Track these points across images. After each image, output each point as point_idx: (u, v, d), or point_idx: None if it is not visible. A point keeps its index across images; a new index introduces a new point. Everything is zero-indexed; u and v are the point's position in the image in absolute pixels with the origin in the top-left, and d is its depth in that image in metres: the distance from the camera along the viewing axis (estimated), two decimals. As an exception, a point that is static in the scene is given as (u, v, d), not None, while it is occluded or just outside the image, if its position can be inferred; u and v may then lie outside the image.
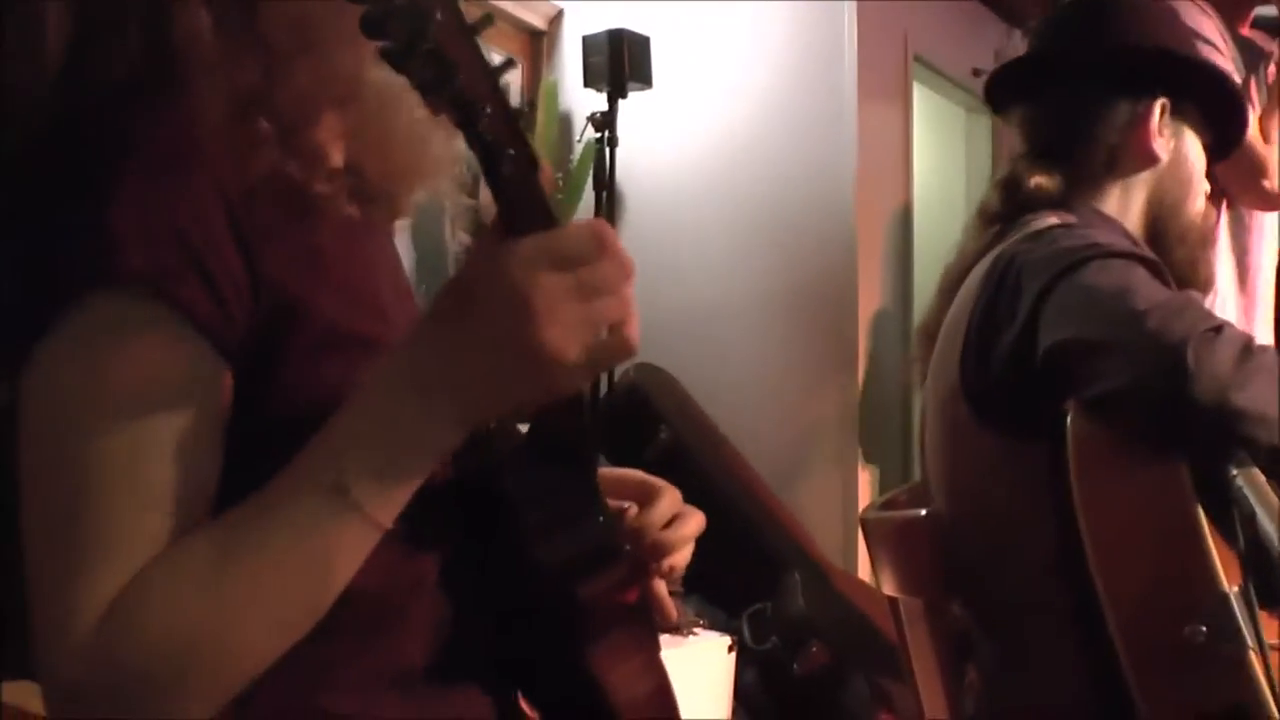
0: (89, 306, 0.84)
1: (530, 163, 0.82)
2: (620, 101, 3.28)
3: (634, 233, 3.51)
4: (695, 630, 2.82)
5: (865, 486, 3.32)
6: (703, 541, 1.08)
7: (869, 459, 3.37)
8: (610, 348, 0.83)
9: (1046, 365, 1.43)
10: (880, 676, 2.90)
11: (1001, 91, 1.76)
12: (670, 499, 1.06)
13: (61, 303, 0.85)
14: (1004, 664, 1.59)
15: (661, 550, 1.04)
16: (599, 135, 3.26)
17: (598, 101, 3.30)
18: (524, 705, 1.08)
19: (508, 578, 1.00)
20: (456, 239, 3.36)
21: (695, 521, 1.07)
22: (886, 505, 1.89)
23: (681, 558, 1.05)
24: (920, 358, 1.73)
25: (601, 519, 0.98)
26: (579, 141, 3.54)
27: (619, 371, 3.16)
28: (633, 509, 1.04)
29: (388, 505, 0.85)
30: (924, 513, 1.64)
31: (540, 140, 3.55)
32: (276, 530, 0.83)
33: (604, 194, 3.25)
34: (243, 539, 0.83)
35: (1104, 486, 1.39)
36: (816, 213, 3.33)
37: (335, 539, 0.84)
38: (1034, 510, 1.49)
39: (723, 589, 2.91)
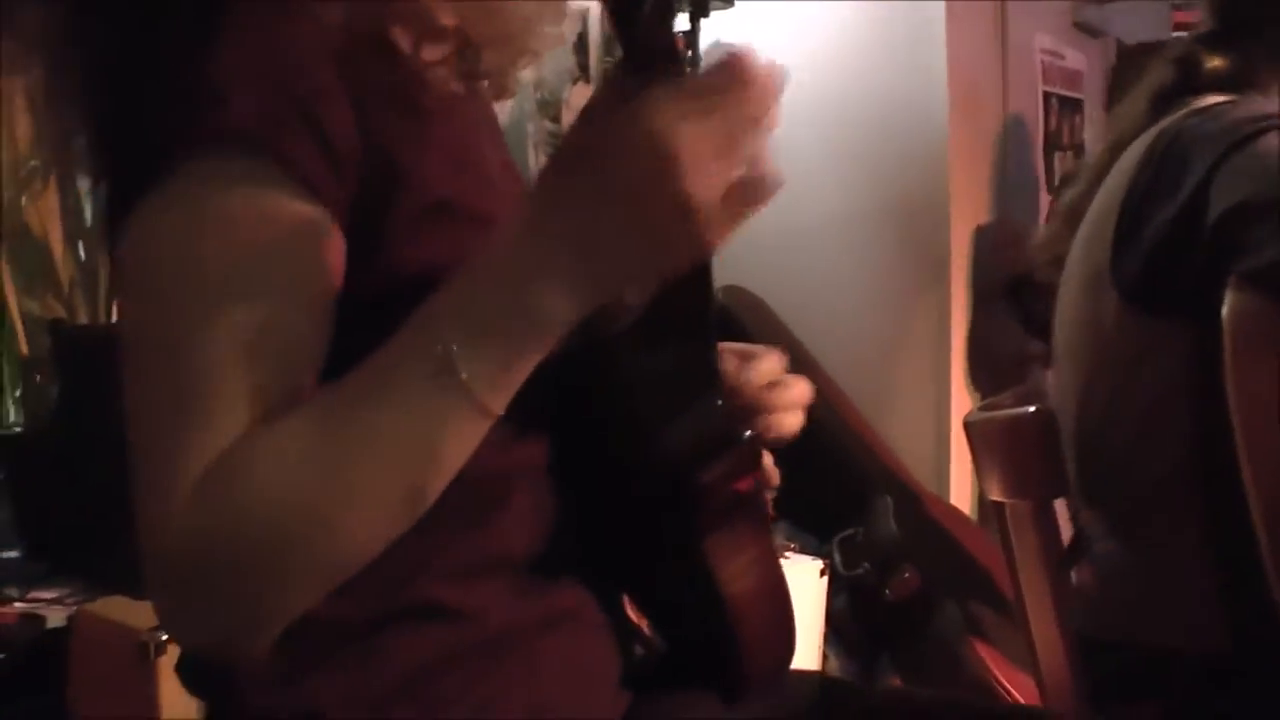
0: (191, 163, 0.81)
1: (669, 4, 0.76)
2: (702, 21, 3.22)
3: (717, 156, 3.44)
4: (786, 555, 2.78)
5: (961, 410, 3.26)
6: (792, 465, 1.03)
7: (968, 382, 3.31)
8: (753, 187, 0.76)
9: (1215, 237, 1.36)
10: (972, 603, 2.86)
11: None
12: (771, 360, 1.00)
13: (163, 161, 0.81)
14: (1126, 570, 1.54)
15: (762, 408, 0.98)
16: (682, 55, 3.20)
17: (680, 22, 3.23)
18: (628, 606, 1.05)
19: (617, 465, 0.95)
20: (540, 164, 3.33)
21: (800, 388, 1.01)
22: (988, 409, 1.84)
23: (789, 424, 1.00)
24: (1058, 238, 1.66)
25: (721, 402, 0.93)
26: (661, 63, 3.47)
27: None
28: (733, 364, 0.98)
29: (499, 390, 0.79)
30: (1033, 409, 1.59)
31: (621, 63, 3.49)
32: (382, 410, 0.78)
33: (687, 115, 3.19)
34: (347, 417, 0.79)
35: (1259, 367, 1.32)
36: (907, 129, 3.24)
37: (442, 423, 0.78)
38: (1176, 401, 1.44)
39: (813, 513, 2.88)
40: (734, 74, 0.75)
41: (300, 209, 0.81)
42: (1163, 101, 1.59)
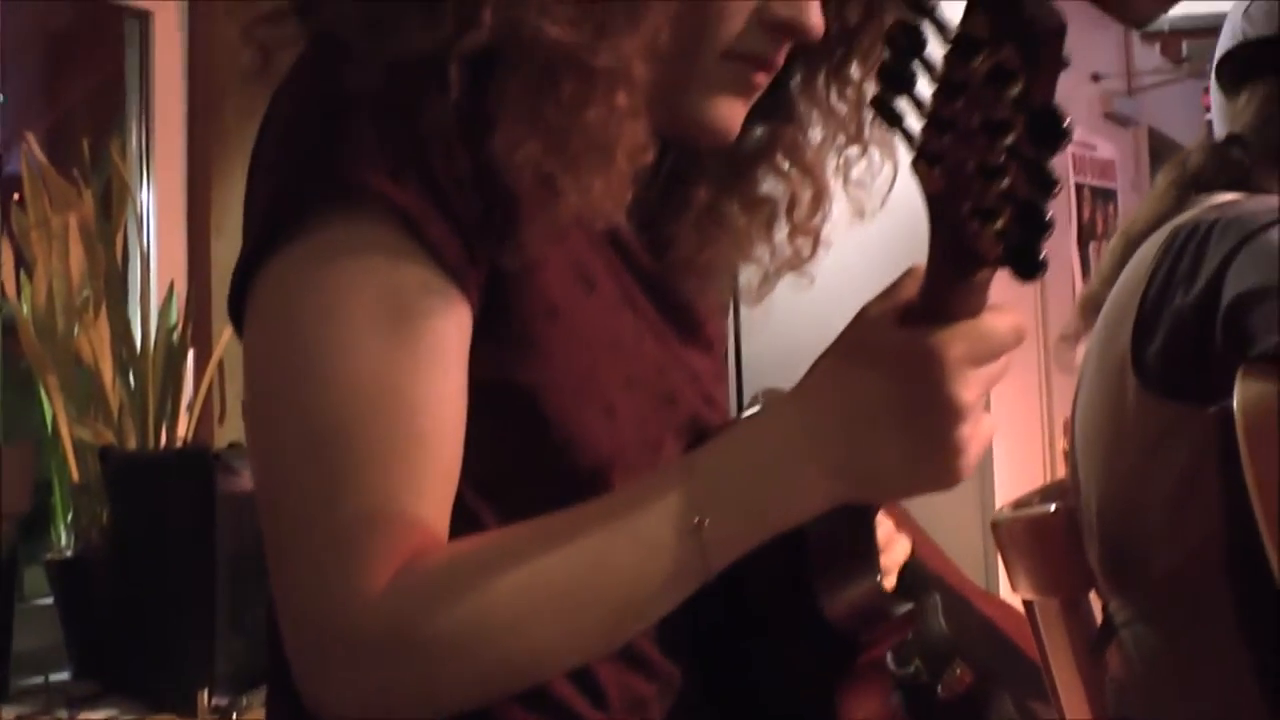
0: (324, 225, 0.79)
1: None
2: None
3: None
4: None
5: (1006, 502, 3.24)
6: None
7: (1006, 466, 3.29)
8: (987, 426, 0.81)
9: (1228, 320, 1.39)
10: (1026, 698, 2.82)
11: (1237, 68, 1.70)
12: (884, 525, 1.05)
13: (292, 219, 0.79)
14: (1157, 653, 1.54)
15: None
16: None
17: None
18: None
19: (759, 603, 0.97)
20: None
21: (901, 550, 1.08)
22: (1017, 507, 1.85)
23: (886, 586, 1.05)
24: (1079, 333, 1.69)
25: (879, 577, 0.97)
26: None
27: (747, 397, 3.13)
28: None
29: (727, 558, 0.82)
30: (1053, 508, 1.60)
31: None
32: (616, 545, 0.80)
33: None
34: (575, 540, 0.80)
35: (1272, 452, 1.33)
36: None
37: (672, 576, 0.81)
38: (1197, 483, 1.45)
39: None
40: (1017, 338, 0.79)
41: (435, 280, 0.80)
42: (1174, 200, 1.63)
